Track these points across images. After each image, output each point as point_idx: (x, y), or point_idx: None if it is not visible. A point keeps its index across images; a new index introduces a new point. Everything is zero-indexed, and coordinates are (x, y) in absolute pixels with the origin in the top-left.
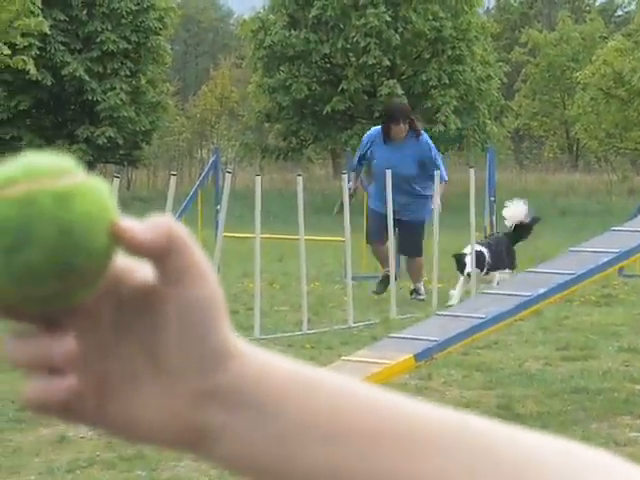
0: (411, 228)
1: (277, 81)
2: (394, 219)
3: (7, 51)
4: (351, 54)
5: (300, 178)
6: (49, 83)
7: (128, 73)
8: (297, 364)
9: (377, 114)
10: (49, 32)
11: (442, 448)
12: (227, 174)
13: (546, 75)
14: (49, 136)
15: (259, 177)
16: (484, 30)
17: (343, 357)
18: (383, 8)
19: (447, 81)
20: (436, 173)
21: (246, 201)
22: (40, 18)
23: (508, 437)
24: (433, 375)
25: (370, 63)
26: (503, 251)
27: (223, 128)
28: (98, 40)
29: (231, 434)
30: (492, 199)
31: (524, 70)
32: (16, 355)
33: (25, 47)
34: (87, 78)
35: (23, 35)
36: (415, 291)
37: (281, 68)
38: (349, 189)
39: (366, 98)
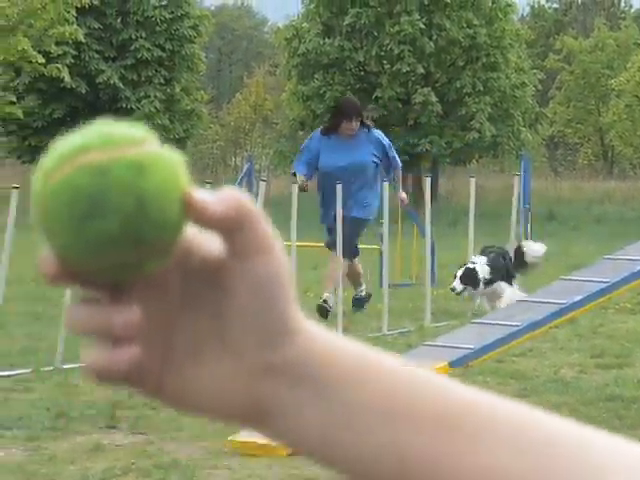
0: (352, 224)
1: (311, 89)
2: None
3: (42, 59)
4: (385, 62)
5: (339, 187)
6: (83, 91)
7: (162, 81)
8: (361, 346)
9: (411, 122)
10: (84, 40)
11: (505, 438)
12: (262, 182)
13: (581, 82)
14: None
15: (296, 185)
16: (518, 37)
17: None
18: (417, 15)
19: (481, 88)
20: (392, 167)
21: (280, 208)
22: (75, 26)
23: (578, 438)
24: (468, 383)
25: (404, 71)
26: (503, 267)
27: (257, 136)
28: (132, 48)
29: (294, 410)
30: (527, 206)
31: (558, 77)
32: (80, 322)
33: (60, 55)
34: (121, 86)
35: (57, 43)
36: (355, 297)
37: (315, 76)
38: (303, 190)
39: (400, 106)
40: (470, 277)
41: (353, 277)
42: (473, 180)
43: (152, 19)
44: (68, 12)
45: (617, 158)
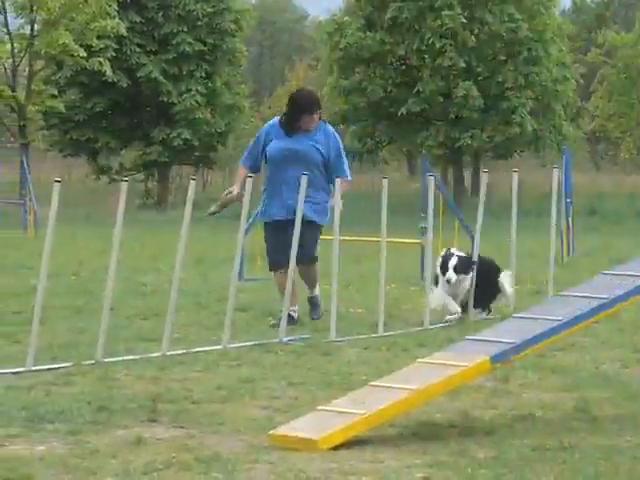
0: (310, 228)
1: (352, 83)
2: (288, 220)
3: (83, 53)
4: (426, 56)
5: (386, 180)
6: (125, 85)
7: (204, 75)
8: None
9: (452, 116)
10: (125, 34)
11: None
12: (304, 176)
13: (622, 76)
14: (125, 138)
15: (339, 179)
16: (560, 31)
17: (419, 359)
18: (459, 10)
19: (523, 82)
20: (341, 171)
21: None
22: (116, 20)
23: None
24: (509, 377)
25: (445, 65)
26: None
27: None
28: (174, 42)
29: None
30: (568, 201)
31: (600, 71)
32: None
33: (101, 49)
34: (163, 80)
35: (99, 37)
36: (311, 299)
37: (356, 70)
38: (235, 193)
39: (441, 100)
40: (464, 264)
41: (310, 279)
42: (516, 175)
43: (193, 13)
44: (110, 6)
45: None
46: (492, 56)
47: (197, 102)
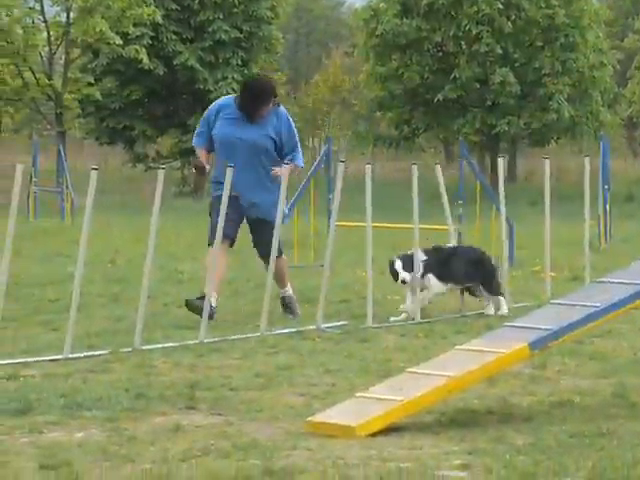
0: (266, 224)
1: (389, 70)
2: (244, 215)
3: (119, 41)
4: (463, 42)
5: (415, 167)
6: (161, 72)
7: (240, 62)
8: None
9: (489, 102)
10: (161, 21)
11: None
12: (340, 164)
13: None
14: (161, 125)
15: (369, 166)
16: (597, 17)
17: (457, 346)
18: None
19: (560, 69)
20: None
21: (358, 190)
22: (153, 7)
23: None
24: (547, 364)
25: (482, 51)
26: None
27: (335, 117)
28: (210, 29)
29: None
30: (606, 187)
31: (637, 57)
32: None
33: (137, 37)
34: (199, 67)
35: (135, 25)
36: (283, 299)
37: (393, 56)
38: (199, 168)
39: (478, 86)
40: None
41: (277, 275)
42: (547, 161)
43: (230, 0)
44: None
45: None
46: (529, 42)
47: (233, 90)
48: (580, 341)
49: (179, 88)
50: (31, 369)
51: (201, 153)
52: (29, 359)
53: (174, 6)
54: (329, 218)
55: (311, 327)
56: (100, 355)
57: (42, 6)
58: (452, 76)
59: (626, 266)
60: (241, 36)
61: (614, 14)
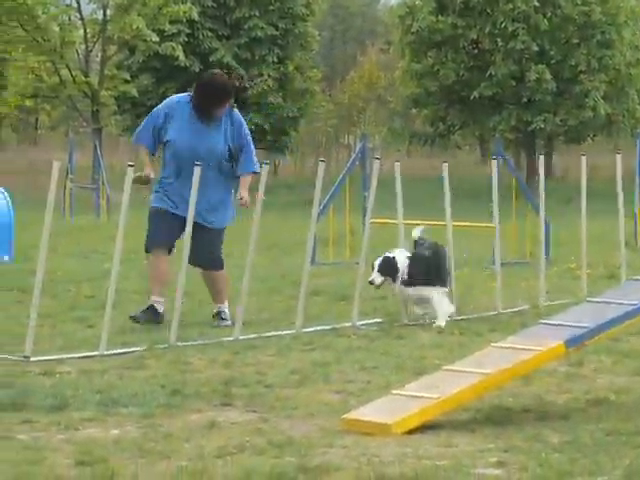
0: (211, 233)
1: (425, 67)
2: (182, 216)
3: (156, 38)
4: (499, 39)
5: (446, 165)
6: (197, 70)
7: (275, 59)
8: None
9: (525, 100)
10: (197, 18)
11: None
12: (375, 161)
13: None
14: None
15: (398, 163)
16: (633, 14)
17: (493, 344)
18: None
19: (596, 66)
20: (245, 160)
21: (393, 187)
22: (189, 5)
23: None
24: (583, 361)
25: (518, 48)
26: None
27: (370, 114)
28: (246, 27)
29: None
30: None
31: None
32: None
33: (174, 34)
34: (235, 64)
35: (172, 22)
36: (219, 314)
37: (429, 54)
38: (143, 176)
39: (514, 83)
40: (389, 267)
41: (216, 288)
42: (584, 158)
43: None
44: None
45: None
46: (565, 39)
47: (269, 87)
48: (616, 339)
49: None
50: (67, 365)
51: (145, 159)
52: (65, 355)
53: (210, 3)
54: (364, 215)
55: (346, 324)
56: (136, 352)
57: (79, 3)
58: (488, 73)
59: None
60: (277, 33)
61: None
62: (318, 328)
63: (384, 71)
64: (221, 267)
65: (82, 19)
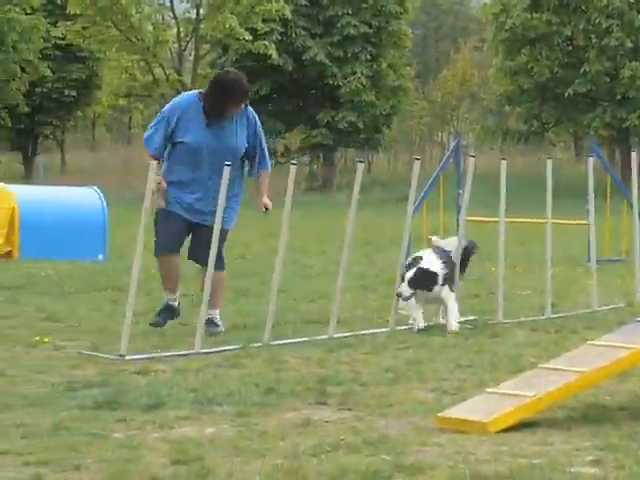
0: (219, 234)
1: (518, 64)
2: (194, 222)
3: (249, 36)
4: (593, 36)
5: (549, 161)
6: (290, 68)
7: (369, 57)
8: None
9: (619, 96)
10: (290, 17)
11: None
12: (471, 158)
13: None
14: (290, 121)
15: (504, 161)
16: None
17: (589, 341)
18: None
19: None
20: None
21: (487, 184)
22: (282, 3)
23: None
24: None
25: (612, 45)
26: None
27: (464, 111)
28: (339, 25)
29: None
30: None
31: None
32: None
33: (266, 32)
34: (328, 62)
35: (264, 20)
36: (211, 321)
37: (522, 51)
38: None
39: (608, 80)
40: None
41: (215, 291)
42: None
43: None
44: None
45: None
46: None
47: (362, 84)
48: None
49: (308, 83)
50: (162, 364)
51: (156, 166)
52: (160, 354)
53: (303, 1)
54: (458, 213)
55: (441, 322)
56: (230, 350)
57: (172, 2)
58: (582, 70)
59: None
60: (370, 31)
61: None
62: (413, 326)
63: (477, 69)
64: (222, 268)
65: (175, 18)
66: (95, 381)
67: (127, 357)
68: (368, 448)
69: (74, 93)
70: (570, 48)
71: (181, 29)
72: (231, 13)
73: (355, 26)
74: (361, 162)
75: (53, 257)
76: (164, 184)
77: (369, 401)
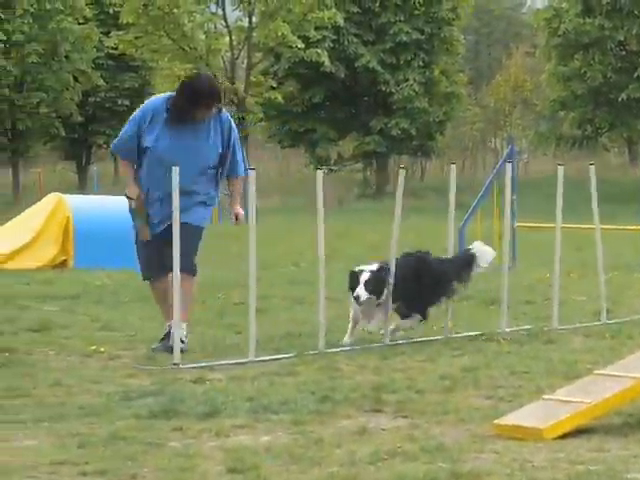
0: (188, 230)
1: (571, 69)
2: (167, 228)
3: (301, 44)
4: None
5: (592, 167)
6: (342, 75)
7: (421, 64)
8: None
9: None
10: (342, 24)
11: None
12: (522, 163)
13: None
14: (342, 128)
15: (561, 167)
16: None
17: None
18: None
19: None
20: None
21: (541, 190)
22: (334, 10)
23: None
24: None
25: None
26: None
27: (517, 117)
28: (391, 32)
29: None
30: None
31: None
32: None
33: (319, 40)
34: (380, 69)
35: (317, 28)
36: (169, 335)
37: (575, 56)
38: (130, 201)
39: None
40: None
41: (184, 296)
42: None
43: (410, 2)
44: None
45: None
46: None
47: (415, 91)
48: None
49: (360, 90)
50: (217, 372)
51: (131, 176)
52: (215, 362)
53: (355, 9)
54: (512, 219)
55: (496, 329)
56: (285, 358)
57: (224, 11)
58: (635, 75)
59: None
60: (422, 38)
61: None
62: (467, 333)
63: (530, 74)
64: (193, 272)
65: (228, 26)
66: (151, 390)
67: (182, 366)
68: (425, 456)
69: (127, 102)
70: (623, 53)
71: (233, 37)
72: (283, 21)
73: (407, 33)
74: (403, 168)
75: (108, 266)
76: (139, 195)
77: (425, 408)
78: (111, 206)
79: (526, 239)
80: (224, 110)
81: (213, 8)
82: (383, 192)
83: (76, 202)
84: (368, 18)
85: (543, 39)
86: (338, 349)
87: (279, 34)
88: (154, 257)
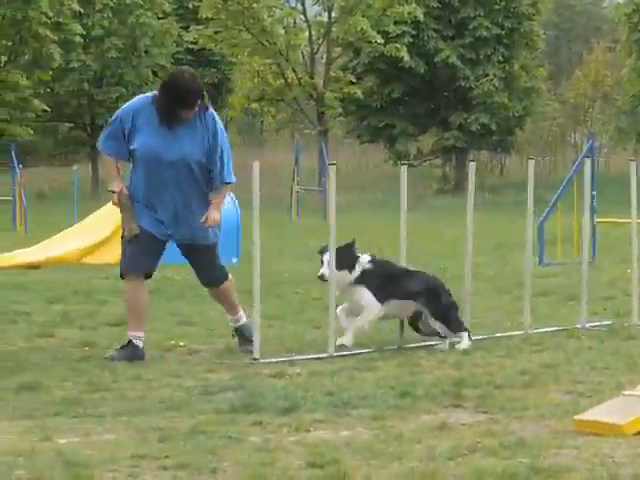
0: (205, 251)
1: None
2: (166, 242)
3: (380, 39)
4: None
5: (634, 164)
6: (422, 70)
7: (501, 59)
8: None
9: None
10: (422, 19)
11: None
12: (600, 159)
13: None
14: (422, 123)
15: (634, 162)
16: None
17: None
18: None
19: None
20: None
21: (621, 186)
22: (413, 5)
23: None
24: None
25: None
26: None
27: (597, 112)
28: (471, 26)
29: None
30: None
31: None
32: None
33: (398, 35)
34: (460, 65)
35: (396, 23)
36: (241, 332)
37: None
38: (113, 194)
39: None
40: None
41: (227, 301)
42: None
43: None
44: None
45: None
46: None
47: (494, 86)
48: None
49: (440, 86)
50: (297, 367)
51: (113, 171)
52: (294, 357)
53: (435, 4)
54: (592, 214)
55: (576, 325)
56: (365, 353)
57: (304, 6)
58: None
59: None
60: (502, 32)
61: None
62: (547, 329)
63: (610, 69)
64: (227, 278)
65: (307, 21)
66: (230, 385)
67: (261, 360)
68: (505, 451)
69: None
70: None
71: (313, 32)
72: (363, 16)
73: (487, 28)
74: (472, 162)
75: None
76: (122, 191)
77: (505, 404)
78: None
79: (606, 235)
80: (210, 107)
81: (292, 3)
82: (462, 188)
83: None
84: (448, 13)
85: (624, 34)
86: (417, 344)
87: (358, 29)
88: (140, 255)
